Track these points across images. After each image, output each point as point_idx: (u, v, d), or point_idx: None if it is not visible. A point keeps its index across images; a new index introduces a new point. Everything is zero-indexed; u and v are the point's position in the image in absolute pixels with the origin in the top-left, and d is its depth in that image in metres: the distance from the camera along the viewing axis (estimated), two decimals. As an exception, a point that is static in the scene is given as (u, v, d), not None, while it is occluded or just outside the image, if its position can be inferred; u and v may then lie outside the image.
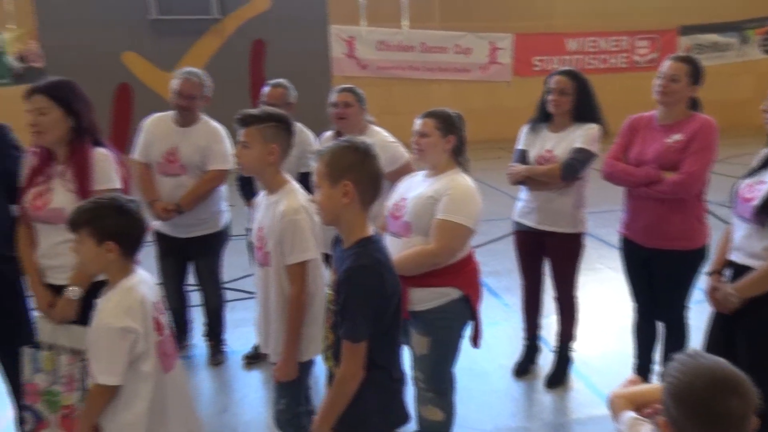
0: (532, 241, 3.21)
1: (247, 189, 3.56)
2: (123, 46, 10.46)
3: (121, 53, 10.51)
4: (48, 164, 2.35)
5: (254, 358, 3.64)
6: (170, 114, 3.40)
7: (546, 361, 3.48)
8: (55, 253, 2.34)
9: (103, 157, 2.35)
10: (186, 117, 3.34)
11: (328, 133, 3.43)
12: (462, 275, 2.38)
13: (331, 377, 1.95)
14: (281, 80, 3.59)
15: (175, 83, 3.29)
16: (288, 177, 2.31)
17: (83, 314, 2.20)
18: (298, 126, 3.59)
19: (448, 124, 2.40)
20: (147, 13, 10.33)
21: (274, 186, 2.25)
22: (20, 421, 2.32)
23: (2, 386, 2.69)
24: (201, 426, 2.24)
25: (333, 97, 3.26)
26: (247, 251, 3.54)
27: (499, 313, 4.25)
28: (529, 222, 3.17)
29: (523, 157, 3.16)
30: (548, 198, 3.07)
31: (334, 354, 1.84)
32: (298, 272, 2.18)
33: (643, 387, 1.55)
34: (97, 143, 2.39)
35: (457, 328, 2.44)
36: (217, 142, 3.36)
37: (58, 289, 2.33)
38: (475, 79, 11.88)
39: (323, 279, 2.27)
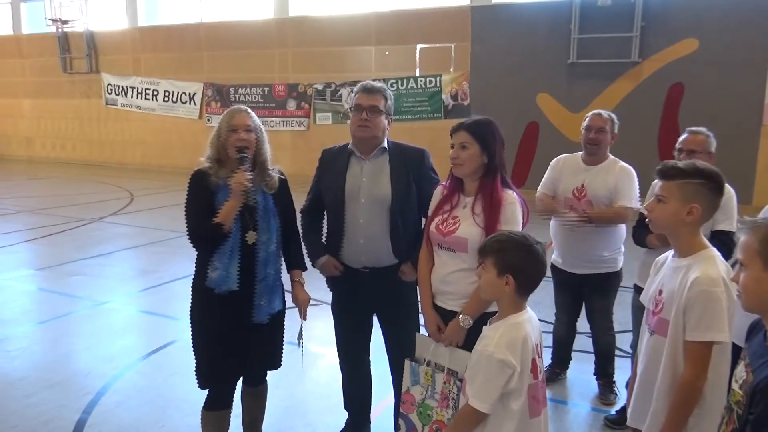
0: None
1: (641, 234, 3.30)
2: (539, 87, 11.22)
3: (536, 94, 11.27)
4: (457, 194, 2.52)
5: (617, 424, 3.32)
6: (578, 154, 3.63)
7: None
8: (449, 280, 2.47)
9: (512, 200, 2.42)
10: (594, 155, 3.53)
11: None
12: None
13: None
14: (702, 128, 3.25)
15: (586, 120, 3.56)
16: (706, 241, 2.00)
17: (465, 340, 2.33)
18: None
19: None
20: (566, 58, 10.80)
21: (688, 249, 1.97)
22: (396, 427, 2.56)
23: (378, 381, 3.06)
24: None
25: None
26: (632, 312, 3.27)
27: None
28: None
29: None
30: None
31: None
32: (701, 353, 1.86)
33: None
34: (503, 181, 2.48)
35: None
36: (627, 181, 3.45)
37: (444, 313, 2.48)
38: None
39: (728, 369, 1.89)
